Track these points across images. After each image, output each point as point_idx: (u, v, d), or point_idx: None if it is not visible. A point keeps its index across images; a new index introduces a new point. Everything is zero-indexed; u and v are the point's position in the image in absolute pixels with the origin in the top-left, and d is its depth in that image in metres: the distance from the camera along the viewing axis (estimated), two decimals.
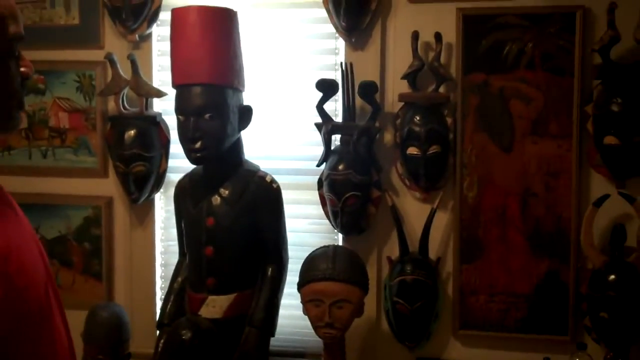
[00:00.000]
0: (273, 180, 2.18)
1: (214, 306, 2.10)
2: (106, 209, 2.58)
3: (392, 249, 2.36)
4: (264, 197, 2.15)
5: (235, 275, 2.13)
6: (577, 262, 2.23)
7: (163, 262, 2.59)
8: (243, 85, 2.16)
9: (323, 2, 2.34)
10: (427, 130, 2.24)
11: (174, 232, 2.36)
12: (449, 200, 2.33)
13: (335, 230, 2.37)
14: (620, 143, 2.10)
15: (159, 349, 2.10)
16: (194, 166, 2.19)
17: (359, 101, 2.30)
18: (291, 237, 2.26)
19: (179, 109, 2.08)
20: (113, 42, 2.54)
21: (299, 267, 2.19)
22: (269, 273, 2.15)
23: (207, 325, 2.02)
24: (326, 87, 2.26)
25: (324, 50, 2.45)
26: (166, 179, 2.51)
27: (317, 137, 2.33)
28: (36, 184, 2.61)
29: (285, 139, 2.47)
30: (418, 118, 2.25)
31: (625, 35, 2.09)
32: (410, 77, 2.28)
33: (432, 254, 2.32)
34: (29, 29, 1.31)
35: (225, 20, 2.08)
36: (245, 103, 2.16)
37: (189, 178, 2.24)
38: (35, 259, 1.17)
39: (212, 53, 2.04)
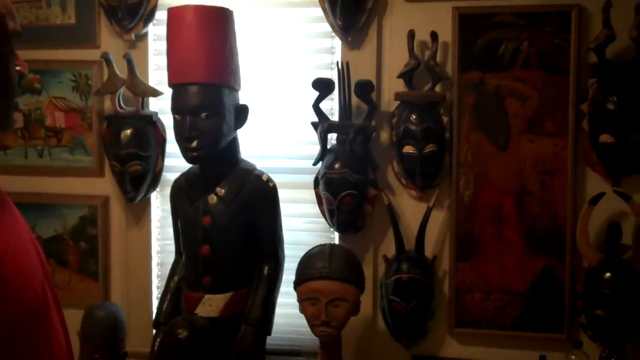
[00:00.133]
0: (269, 179, 2.18)
1: (211, 305, 2.10)
2: (102, 208, 2.58)
3: (388, 248, 2.36)
4: (260, 196, 2.15)
5: (232, 274, 2.13)
6: (573, 260, 2.23)
7: (159, 261, 2.59)
8: (239, 85, 2.16)
9: (319, 1, 2.34)
10: (423, 129, 2.24)
11: (170, 231, 2.36)
12: (445, 198, 2.34)
13: (332, 229, 2.38)
14: (615, 141, 2.11)
15: (156, 348, 2.10)
16: (190, 165, 2.19)
17: (355, 100, 2.30)
18: (287, 235, 2.27)
19: (175, 108, 2.08)
20: (109, 41, 2.54)
21: (295, 265, 2.19)
22: (265, 272, 2.15)
23: (204, 324, 2.02)
24: (322, 86, 2.27)
25: (320, 49, 2.45)
26: (162, 178, 2.51)
27: (313, 136, 2.33)
28: (32, 184, 2.61)
29: (281, 137, 2.47)
30: (414, 117, 2.26)
31: (621, 34, 2.09)
32: (407, 75, 2.28)
33: (428, 252, 2.32)
34: (25, 28, 1.31)
35: (221, 19, 2.08)
36: (241, 102, 2.16)
37: (185, 177, 2.24)
38: (31, 260, 1.17)
39: (208, 52, 2.04)
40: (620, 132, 2.10)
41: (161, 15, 2.41)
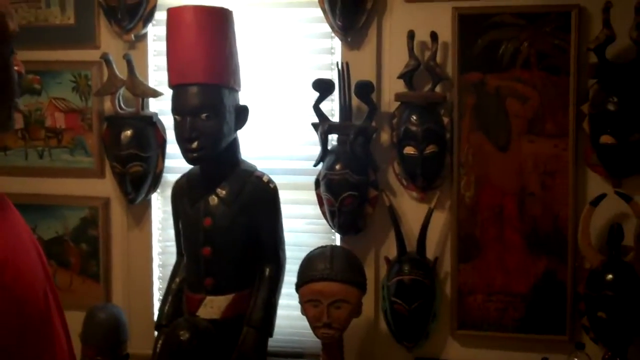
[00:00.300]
0: (270, 181, 2.18)
1: (212, 307, 2.10)
2: (103, 210, 2.58)
3: (390, 249, 2.36)
4: (261, 197, 2.15)
5: (233, 275, 2.12)
6: (575, 262, 2.23)
7: (160, 262, 2.59)
8: (239, 85, 2.15)
9: (319, 1, 2.33)
10: (423, 129, 2.24)
11: (171, 232, 2.35)
12: (446, 199, 2.33)
13: (333, 230, 2.37)
14: (616, 142, 2.10)
15: (157, 350, 2.09)
16: (190, 166, 2.18)
17: (355, 101, 2.30)
18: (289, 237, 2.26)
19: (176, 109, 2.07)
20: (109, 42, 2.53)
21: (296, 267, 2.18)
22: (267, 273, 2.15)
23: (205, 326, 2.02)
24: (322, 87, 2.26)
25: (320, 49, 2.44)
26: (163, 179, 2.51)
27: (314, 137, 2.32)
28: (32, 185, 2.61)
29: (282, 138, 2.47)
30: (415, 118, 2.26)
31: (621, 34, 2.09)
32: (407, 76, 2.28)
33: (430, 253, 2.32)
34: (24, 28, 1.31)
35: (221, 19, 2.08)
36: (241, 103, 2.16)
37: (186, 178, 2.24)
38: (33, 263, 1.16)
39: (207, 53, 2.03)
40: (621, 133, 2.10)
41: (161, 16, 2.41)
